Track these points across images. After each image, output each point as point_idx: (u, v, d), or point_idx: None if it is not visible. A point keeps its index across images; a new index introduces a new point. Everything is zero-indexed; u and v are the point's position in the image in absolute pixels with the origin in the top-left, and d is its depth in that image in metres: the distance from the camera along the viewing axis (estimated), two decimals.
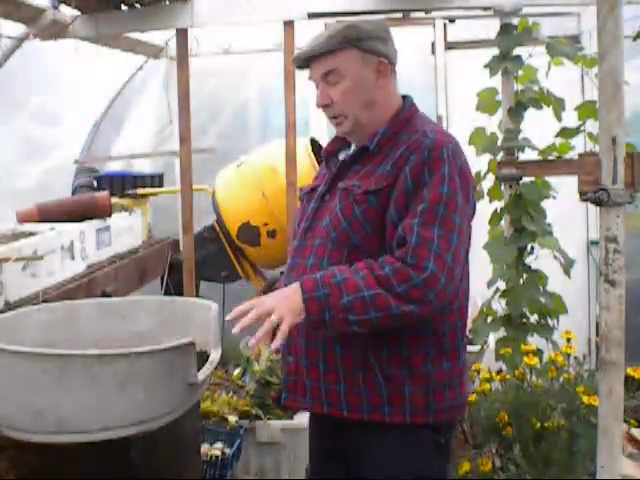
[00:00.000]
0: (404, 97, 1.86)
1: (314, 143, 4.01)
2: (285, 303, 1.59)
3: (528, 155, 3.21)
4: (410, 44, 4.68)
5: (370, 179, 1.71)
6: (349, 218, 1.71)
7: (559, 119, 3.12)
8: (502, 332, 3.12)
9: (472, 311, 3.61)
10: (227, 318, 1.72)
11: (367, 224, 1.69)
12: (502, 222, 3.24)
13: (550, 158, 3.14)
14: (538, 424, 2.28)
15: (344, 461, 1.80)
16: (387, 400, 1.67)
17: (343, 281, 1.57)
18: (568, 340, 2.62)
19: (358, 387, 1.69)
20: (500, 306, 3.17)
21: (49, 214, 3.41)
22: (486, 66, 3.19)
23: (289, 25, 3.33)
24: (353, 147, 1.86)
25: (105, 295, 3.19)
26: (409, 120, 1.78)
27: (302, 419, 2.97)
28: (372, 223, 1.69)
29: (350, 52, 1.73)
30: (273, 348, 1.60)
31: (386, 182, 1.68)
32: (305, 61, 1.78)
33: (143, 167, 4.87)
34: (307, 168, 3.76)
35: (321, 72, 1.76)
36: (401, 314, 1.55)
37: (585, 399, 2.21)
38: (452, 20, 4.56)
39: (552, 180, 3.18)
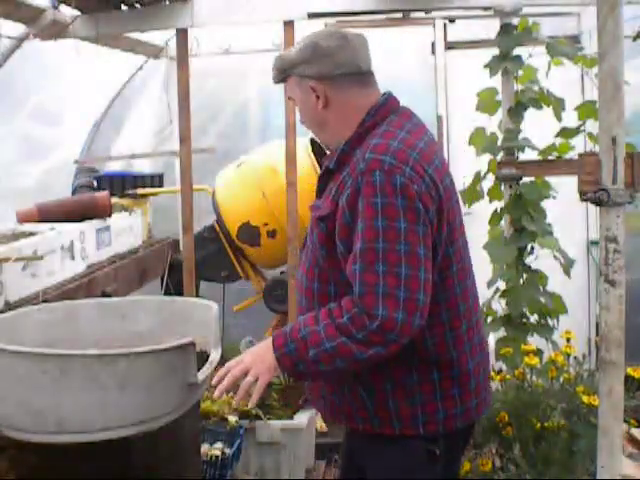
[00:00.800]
0: (384, 95, 1.78)
1: (314, 143, 4.00)
2: (259, 363, 1.66)
3: (528, 155, 3.21)
4: (410, 44, 4.69)
5: (326, 202, 1.69)
6: (312, 241, 1.73)
7: (559, 119, 3.12)
8: (502, 332, 3.12)
9: None
10: (213, 382, 1.75)
11: (322, 248, 1.69)
12: (502, 222, 3.24)
13: (550, 158, 3.14)
14: (538, 424, 2.28)
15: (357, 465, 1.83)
16: (374, 413, 1.69)
17: (307, 335, 1.58)
18: (568, 340, 2.62)
19: (347, 399, 1.72)
20: (500, 306, 3.17)
21: (49, 214, 3.41)
22: (486, 66, 3.19)
23: (289, 25, 3.33)
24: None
25: (105, 295, 3.18)
26: (369, 130, 1.69)
27: (302, 419, 2.97)
28: (325, 247, 1.67)
29: (291, 79, 1.76)
30: (251, 405, 1.72)
31: (330, 208, 1.65)
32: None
33: (143, 167, 4.87)
34: (307, 168, 3.76)
35: (288, 96, 1.83)
36: (368, 357, 1.55)
37: (585, 399, 2.21)
38: (452, 20, 4.56)
39: (552, 180, 3.18)
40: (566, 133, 3.10)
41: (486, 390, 1.79)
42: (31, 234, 3.01)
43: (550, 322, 3.10)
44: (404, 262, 1.53)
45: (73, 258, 3.18)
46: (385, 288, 1.53)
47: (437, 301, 1.64)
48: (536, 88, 3.15)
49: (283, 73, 1.76)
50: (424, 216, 1.57)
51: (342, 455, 1.97)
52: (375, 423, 1.69)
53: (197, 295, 3.70)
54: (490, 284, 3.16)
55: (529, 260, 3.15)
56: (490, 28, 3.98)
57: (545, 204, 3.17)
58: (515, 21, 3.20)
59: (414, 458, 1.69)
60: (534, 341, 2.96)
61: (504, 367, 2.90)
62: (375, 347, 1.54)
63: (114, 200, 3.91)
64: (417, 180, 1.58)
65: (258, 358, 1.68)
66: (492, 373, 2.63)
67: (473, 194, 3.25)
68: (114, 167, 4.81)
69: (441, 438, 1.70)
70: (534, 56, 3.12)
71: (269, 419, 2.93)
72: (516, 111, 3.16)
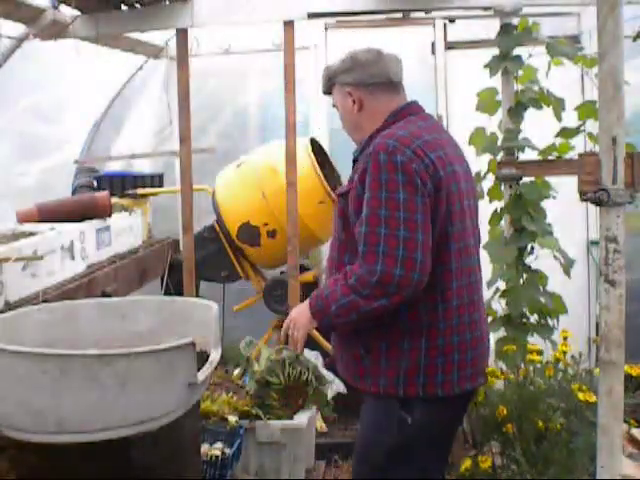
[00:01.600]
0: (408, 102, 2.13)
1: (314, 143, 4.00)
2: (300, 317, 2.04)
3: (528, 155, 3.21)
4: (410, 44, 4.69)
5: (347, 184, 2.04)
6: (335, 219, 2.06)
7: (559, 119, 3.12)
8: (502, 332, 3.12)
9: None
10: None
11: (340, 221, 2.01)
12: (502, 222, 3.24)
13: (550, 158, 3.14)
14: (539, 423, 2.28)
15: None
16: (368, 371, 1.96)
17: (329, 294, 1.93)
18: (565, 339, 2.62)
19: (349, 358, 2.03)
20: (500, 306, 3.17)
21: (49, 214, 3.41)
22: (486, 66, 3.19)
23: (289, 25, 3.33)
24: None
25: (105, 295, 3.18)
26: (385, 128, 2.00)
27: (302, 419, 2.97)
28: (343, 220, 1.99)
29: (336, 88, 2.11)
30: (299, 351, 2.14)
31: (348, 187, 1.99)
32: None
33: (143, 167, 4.87)
34: (307, 168, 3.76)
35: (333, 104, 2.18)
36: (374, 309, 1.84)
37: (580, 396, 2.21)
38: (452, 20, 4.56)
39: (552, 180, 3.18)
40: (566, 133, 3.10)
41: (473, 369, 1.96)
42: (31, 234, 3.01)
43: (550, 322, 3.10)
44: (402, 227, 1.80)
45: (73, 258, 3.18)
46: (385, 248, 1.80)
47: (433, 272, 1.86)
48: (536, 88, 3.15)
49: (329, 82, 2.12)
50: (422, 189, 1.84)
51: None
52: (368, 381, 1.97)
53: (197, 295, 3.70)
54: (490, 284, 3.16)
55: (529, 260, 3.15)
56: (490, 28, 3.98)
57: (545, 204, 3.17)
58: (515, 21, 3.20)
59: (387, 419, 1.95)
60: (534, 341, 2.96)
61: (504, 367, 2.90)
62: (379, 300, 1.82)
63: (114, 200, 3.91)
64: (416, 160, 1.85)
65: (299, 314, 2.05)
66: (497, 372, 2.63)
67: None
68: (114, 167, 4.81)
69: (419, 403, 1.92)
70: (534, 56, 3.12)
71: (269, 419, 2.93)
72: (516, 111, 3.16)
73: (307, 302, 2.03)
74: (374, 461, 2.01)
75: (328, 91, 2.15)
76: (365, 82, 2.05)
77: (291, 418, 2.99)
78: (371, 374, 1.97)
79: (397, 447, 1.95)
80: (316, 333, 3.81)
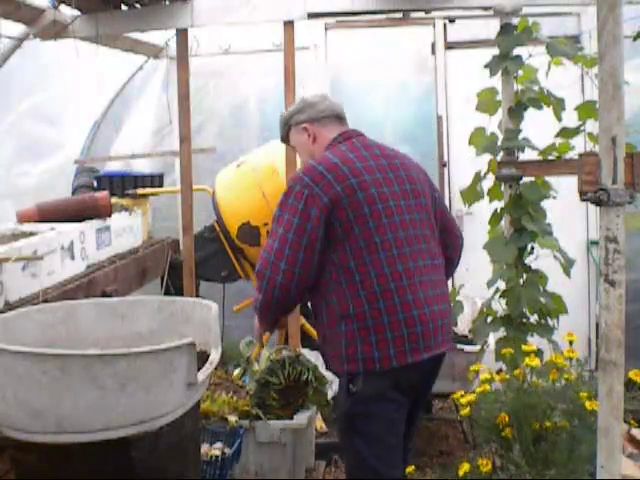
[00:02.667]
0: (345, 131, 2.44)
1: None
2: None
3: (528, 155, 3.21)
4: (410, 44, 4.69)
5: None
6: None
7: (559, 119, 3.12)
8: (502, 332, 3.12)
9: (472, 311, 3.63)
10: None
11: None
12: (502, 222, 3.24)
13: (550, 158, 3.13)
14: (538, 424, 2.28)
15: None
16: (328, 355, 2.32)
17: None
18: (571, 343, 2.60)
19: (323, 348, 2.38)
20: (500, 306, 3.16)
21: (49, 214, 3.41)
22: (486, 66, 3.19)
23: (289, 25, 3.33)
24: None
25: (105, 295, 3.19)
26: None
27: (302, 419, 2.97)
28: None
29: (291, 131, 2.48)
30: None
31: None
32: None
33: (143, 167, 4.87)
34: None
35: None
36: (267, 307, 2.29)
37: (587, 404, 2.20)
38: (452, 20, 4.57)
39: (552, 180, 3.18)
40: (566, 133, 3.10)
41: (412, 345, 2.19)
42: (31, 234, 3.01)
43: (550, 322, 3.10)
44: (279, 240, 2.22)
45: (73, 258, 3.18)
46: (265, 253, 2.25)
47: (349, 266, 2.20)
48: (536, 88, 3.15)
49: (286, 126, 2.48)
50: (316, 218, 2.20)
51: None
52: (329, 363, 2.33)
53: (197, 295, 3.70)
54: (490, 284, 3.15)
55: (529, 260, 3.15)
56: (490, 28, 3.98)
57: (545, 204, 3.17)
58: (515, 21, 3.20)
59: (341, 392, 2.25)
60: (534, 341, 2.96)
61: (504, 367, 2.90)
62: (258, 293, 2.27)
63: (114, 200, 3.91)
64: (310, 187, 2.22)
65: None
66: (492, 374, 2.63)
67: (473, 194, 3.25)
68: (114, 167, 4.81)
69: (361, 376, 2.18)
70: (534, 56, 3.12)
71: (269, 419, 2.93)
72: (516, 111, 3.16)
73: None
74: (339, 427, 2.34)
75: (286, 136, 2.51)
76: (317, 117, 2.43)
77: (291, 418, 2.99)
78: (330, 357, 2.31)
79: (350, 416, 2.23)
80: (315, 333, 3.80)
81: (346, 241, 2.22)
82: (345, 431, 2.29)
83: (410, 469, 2.18)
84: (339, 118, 2.47)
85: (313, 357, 4.03)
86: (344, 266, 2.22)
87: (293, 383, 2.97)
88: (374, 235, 2.23)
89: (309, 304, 2.44)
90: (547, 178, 3.17)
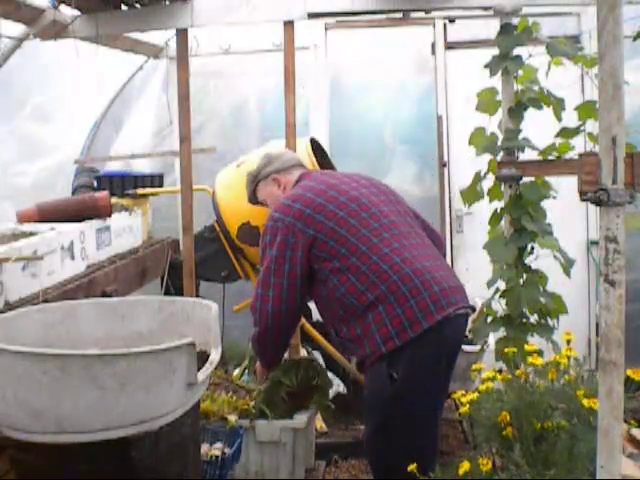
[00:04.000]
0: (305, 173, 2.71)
1: (314, 143, 4.00)
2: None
3: (528, 155, 3.21)
4: (410, 44, 4.69)
5: None
6: None
7: (559, 119, 3.12)
8: (502, 332, 3.12)
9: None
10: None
11: None
12: (502, 222, 3.24)
13: (550, 158, 3.13)
14: (539, 424, 2.27)
15: None
16: (358, 349, 2.41)
17: None
18: (568, 342, 2.61)
19: (347, 349, 2.61)
20: (500, 306, 3.16)
21: (49, 214, 3.41)
22: (486, 66, 3.19)
23: (289, 25, 3.32)
24: None
25: (105, 295, 3.19)
26: None
27: (302, 418, 2.97)
28: None
29: (260, 185, 2.72)
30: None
31: None
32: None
33: (143, 167, 4.87)
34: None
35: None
36: (254, 335, 2.55)
37: (585, 402, 2.21)
38: (452, 20, 4.57)
39: (552, 180, 3.18)
40: (566, 133, 3.10)
41: (436, 304, 2.34)
42: (31, 234, 3.01)
43: (550, 322, 3.09)
44: (271, 275, 2.43)
45: (73, 258, 3.18)
46: (258, 289, 2.47)
47: (351, 263, 2.37)
48: (536, 88, 3.15)
49: (254, 181, 2.72)
50: (293, 245, 2.41)
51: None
52: (366, 348, 2.36)
53: (197, 295, 3.70)
54: (490, 284, 3.15)
55: (529, 260, 3.15)
56: (490, 28, 3.98)
57: (545, 204, 3.17)
58: (515, 21, 3.20)
59: (376, 377, 2.35)
60: (534, 341, 2.96)
61: (504, 367, 2.90)
62: (260, 327, 2.50)
63: (114, 200, 3.91)
64: (289, 223, 2.43)
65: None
66: (495, 373, 2.63)
67: (473, 194, 3.25)
68: (114, 167, 4.81)
69: (398, 351, 2.30)
70: (534, 56, 3.12)
71: (274, 418, 2.93)
72: (516, 111, 3.16)
73: None
74: (376, 414, 2.40)
75: (253, 193, 2.75)
76: (283, 167, 2.68)
77: (291, 417, 2.99)
78: (364, 351, 2.38)
79: (391, 398, 2.33)
80: (315, 333, 3.81)
81: (338, 246, 2.39)
82: (371, 415, 2.42)
83: (411, 468, 2.18)
84: (301, 165, 2.75)
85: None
86: (346, 266, 2.37)
87: (303, 386, 2.98)
88: (360, 229, 2.41)
89: (316, 309, 2.60)
90: (547, 178, 3.17)
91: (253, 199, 2.78)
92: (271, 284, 2.42)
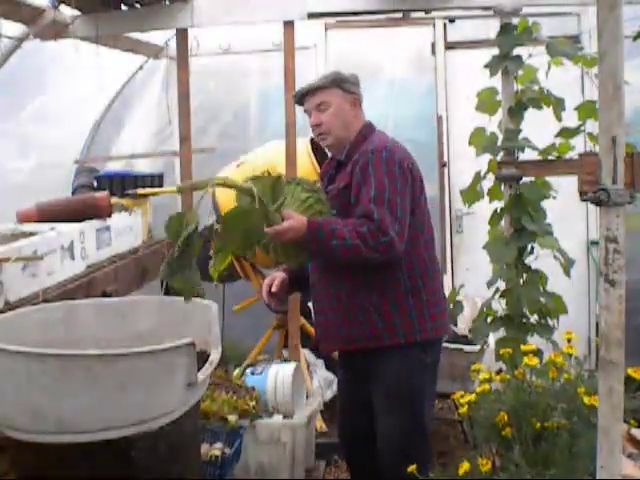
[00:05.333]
0: (368, 120, 2.56)
1: (314, 143, 4.00)
2: (292, 233, 2.25)
3: (528, 155, 3.21)
4: (410, 44, 4.69)
5: (339, 181, 2.45)
6: (336, 210, 2.41)
7: (559, 119, 3.12)
8: (502, 332, 3.12)
9: (472, 311, 3.63)
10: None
11: (343, 211, 2.38)
12: (502, 222, 3.24)
13: (550, 158, 3.13)
14: (538, 424, 2.27)
15: (366, 382, 2.46)
16: (384, 330, 2.36)
17: (335, 230, 2.26)
18: (569, 341, 2.61)
19: (362, 324, 2.38)
20: (500, 306, 3.16)
21: (49, 214, 3.40)
22: (486, 66, 3.19)
23: (289, 25, 3.32)
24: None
25: (105, 295, 3.19)
26: (366, 137, 2.48)
27: (302, 417, 2.98)
28: (345, 209, 2.38)
29: (335, 90, 2.47)
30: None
31: (347, 180, 2.40)
32: (303, 95, 2.50)
33: (143, 167, 4.87)
34: (307, 168, 3.76)
35: (315, 102, 2.48)
36: (369, 259, 2.27)
37: (586, 399, 2.21)
38: (452, 20, 4.56)
39: (552, 180, 3.18)
40: (566, 133, 3.10)
41: (447, 320, 2.58)
42: (31, 234, 3.00)
43: (550, 322, 3.09)
44: (399, 208, 2.31)
45: (73, 258, 3.18)
46: (392, 220, 2.28)
47: (418, 244, 2.41)
48: (536, 88, 3.15)
49: (332, 82, 2.47)
50: (411, 182, 2.38)
51: (347, 379, 2.60)
52: (385, 338, 2.36)
53: (197, 295, 3.70)
54: (490, 284, 3.15)
55: (529, 260, 3.15)
56: (490, 28, 3.98)
57: (545, 204, 3.17)
58: (515, 21, 3.20)
59: (414, 364, 2.38)
60: (534, 341, 2.96)
61: (504, 367, 2.90)
62: (375, 254, 2.26)
63: (114, 200, 3.90)
64: (406, 160, 2.40)
65: (293, 231, 2.26)
66: (492, 373, 2.63)
67: (473, 194, 3.25)
68: (114, 167, 4.81)
69: (429, 348, 2.41)
70: (534, 56, 3.12)
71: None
72: (516, 111, 3.16)
73: (304, 223, 2.26)
74: (411, 403, 2.40)
75: (319, 89, 2.47)
76: (361, 96, 2.55)
77: (291, 417, 2.99)
78: (388, 332, 2.36)
79: (423, 385, 2.41)
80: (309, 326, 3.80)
81: (419, 215, 2.42)
82: (413, 398, 2.41)
83: (411, 468, 2.18)
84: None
85: (312, 358, 4.03)
86: (415, 242, 2.40)
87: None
88: (425, 219, 2.48)
89: (357, 282, 2.38)
90: (547, 178, 3.17)
91: (312, 93, 2.48)
92: (399, 216, 2.31)
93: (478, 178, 3.23)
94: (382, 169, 2.33)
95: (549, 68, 3.08)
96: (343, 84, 2.49)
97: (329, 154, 2.67)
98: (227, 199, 4.04)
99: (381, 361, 2.40)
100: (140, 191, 4.27)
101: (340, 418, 2.69)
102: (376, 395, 2.46)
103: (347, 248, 2.25)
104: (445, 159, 4.57)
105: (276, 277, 2.60)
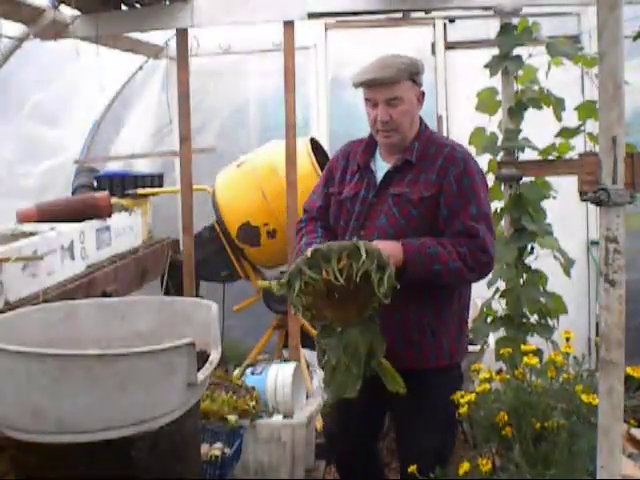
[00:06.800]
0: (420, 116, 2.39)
1: (314, 143, 4.00)
2: (391, 252, 2.11)
3: (528, 155, 3.21)
4: (410, 44, 4.68)
5: (416, 186, 2.25)
6: (406, 217, 2.24)
7: (559, 119, 3.12)
8: (502, 332, 3.12)
9: (472, 311, 3.62)
10: None
11: (422, 220, 2.24)
12: (502, 222, 3.24)
13: (550, 158, 3.13)
14: (538, 424, 2.28)
15: (389, 399, 2.25)
16: (433, 349, 2.27)
17: (435, 254, 2.15)
18: (567, 340, 2.61)
19: (414, 342, 2.26)
20: (500, 306, 3.16)
21: (49, 214, 3.41)
22: (486, 66, 3.19)
23: (289, 25, 3.32)
24: (378, 159, 2.37)
25: (105, 295, 3.19)
26: (429, 137, 2.34)
27: (301, 418, 2.98)
28: (426, 219, 2.24)
29: (408, 83, 2.27)
30: None
31: (434, 189, 2.23)
32: (371, 84, 2.27)
33: (143, 167, 4.87)
34: (307, 168, 3.76)
35: (387, 96, 2.25)
36: (466, 280, 2.25)
37: (584, 398, 2.21)
38: (452, 20, 4.56)
39: (552, 180, 3.18)
40: (566, 133, 3.10)
41: None
42: (31, 234, 3.01)
43: (550, 322, 3.10)
44: (493, 224, 2.30)
45: (73, 258, 3.18)
46: (491, 238, 2.23)
47: None
48: (536, 88, 3.15)
49: (409, 76, 2.27)
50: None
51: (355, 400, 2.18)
52: (433, 358, 2.28)
53: (197, 295, 3.70)
54: (490, 284, 3.16)
55: (529, 260, 3.15)
56: (490, 28, 3.98)
57: (545, 204, 3.17)
58: (515, 21, 3.20)
59: (454, 386, 2.29)
60: (534, 341, 2.96)
61: (504, 367, 2.90)
62: (475, 275, 2.23)
63: (114, 200, 3.91)
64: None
65: (392, 250, 2.12)
66: (492, 373, 2.63)
67: None
68: (114, 167, 4.81)
69: (459, 369, 2.38)
70: (534, 56, 3.12)
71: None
72: (516, 111, 3.16)
73: (399, 247, 2.15)
74: (451, 422, 2.36)
75: (394, 78, 2.24)
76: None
77: (291, 417, 2.99)
78: (436, 351, 2.28)
79: (454, 409, 2.24)
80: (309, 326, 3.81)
81: None
82: (448, 423, 2.36)
83: (412, 468, 2.18)
84: None
85: (312, 358, 4.03)
86: None
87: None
88: None
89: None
90: (547, 178, 3.17)
91: (385, 83, 2.24)
92: (494, 233, 2.29)
93: None
94: (477, 181, 2.25)
95: (549, 68, 3.08)
96: (416, 76, 2.31)
97: (358, 148, 2.40)
98: (227, 199, 4.06)
99: (425, 381, 2.29)
100: (140, 191, 4.28)
101: (339, 435, 2.56)
102: (409, 412, 2.32)
103: (449, 271, 2.16)
104: None
105: None
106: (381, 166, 2.37)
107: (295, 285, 2.06)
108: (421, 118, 2.36)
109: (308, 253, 2.05)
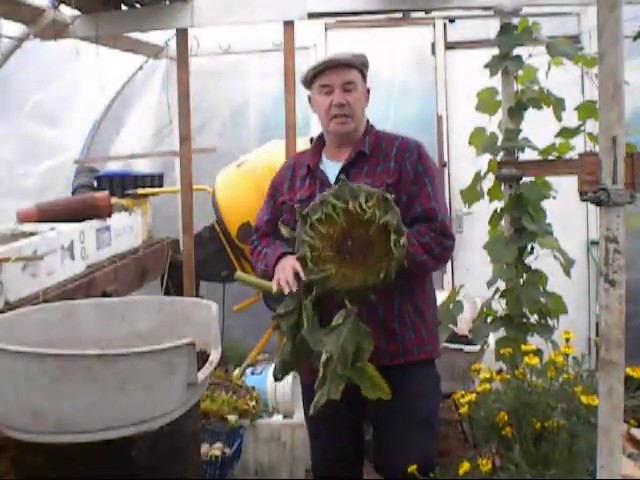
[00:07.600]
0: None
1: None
2: None
3: (528, 155, 3.21)
4: (410, 44, 4.69)
5: (376, 176, 2.25)
6: None
7: (559, 119, 3.12)
8: (502, 332, 3.12)
9: (472, 311, 3.62)
10: None
11: None
12: (502, 222, 3.24)
13: (550, 158, 3.13)
14: (538, 424, 2.28)
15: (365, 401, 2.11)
16: (415, 343, 2.25)
17: (421, 244, 2.16)
18: (567, 340, 2.61)
19: (397, 337, 2.23)
20: (500, 306, 3.16)
21: (49, 214, 3.41)
22: (486, 66, 3.18)
23: (289, 25, 3.32)
24: (325, 161, 2.38)
25: (105, 295, 3.19)
26: (377, 133, 2.40)
27: (301, 417, 2.97)
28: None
29: (360, 75, 2.36)
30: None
31: (396, 176, 2.24)
32: (329, 67, 2.33)
33: (143, 167, 4.87)
34: None
35: (344, 79, 2.32)
36: (431, 268, 2.24)
37: (583, 399, 2.21)
38: (452, 20, 4.57)
39: (552, 180, 3.18)
40: (566, 133, 3.10)
41: None
42: (31, 234, 3.01)
43: (550, 322, 3.09)
44: (447, 208, 2.33)
45: (73, 258, 3.18)
46: (449, 220, 2.27)
47: None
48: (536, 88, 3.15)
49: (362, 66, 2.38)
50: None
51: (331, 408, 2.03)
52: (426, 348, 2.28)
53: (197, 295, 3.70)
54: (490, 284, 3.15)
55: (529, 260, 3.15)
56: (490, 28, 3.98)
57: (545, 204, 3.17)
58: (515, 21, 3.20)
59: (438, 379, 2.35)
60: (534, 341, 2.96)
61: (504, 367, 2.90)
62: (442, 263, 2.27)
63: (114, 200, 3.91)
64: None
65: None
66: (492, 373, 2.63)
67: (473, 194, 3.25)
68: (114, 167, 4.81)
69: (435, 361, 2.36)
70: (534, 56, 3.12)
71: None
72: (516, 111, 3.16)
73: None
74: (434, 423, 2.37)
75: (351, 67, 2.34)
76: None
77: (291, 417, 2.99)
78: (418, 344, 2.27)
79: (437, 404, 2.40)
80: None
81: None
82: (434, 418, 2.37)
83: (412, 468, 2.18)
84: None
85: None
86: None
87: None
88: None
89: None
90: (547, 178, 3.17)
91: (342, 65, 2.33)
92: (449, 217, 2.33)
93: (478, 178, 3.23)
94: (431, 167, 2.30)
95: (549, 68, 3.08)
96: (365, 70, 2.39)
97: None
98: (227, 199, 4.06)
99: (408, 374, 2.23)
100: (140, 191, 4.28)
101: (323, 452, 2.40)
102: (391, 411, 2.20)
103: (416, 265, 2.13)
104: (445, 159, 4.57)
105: (294, 262, 2.16)
106: (329, 165, 2.35)
107: (313, 216, 1.95)
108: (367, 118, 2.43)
109: (336, 186, 2.05)
